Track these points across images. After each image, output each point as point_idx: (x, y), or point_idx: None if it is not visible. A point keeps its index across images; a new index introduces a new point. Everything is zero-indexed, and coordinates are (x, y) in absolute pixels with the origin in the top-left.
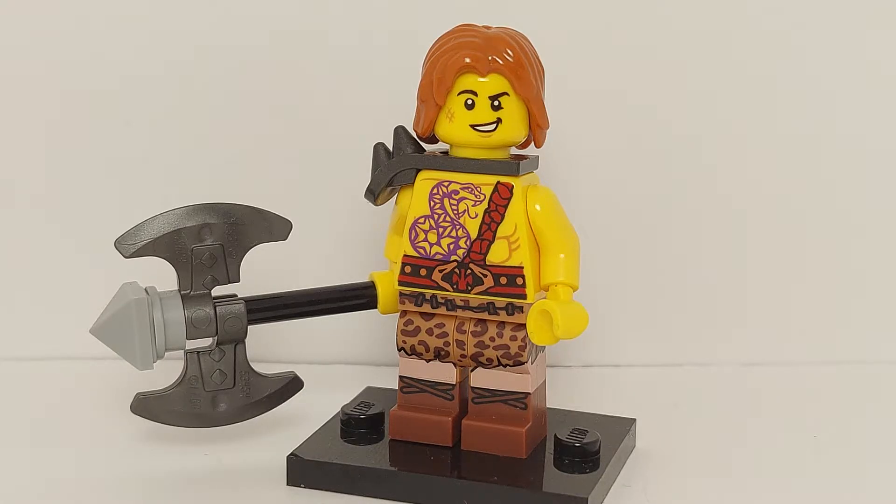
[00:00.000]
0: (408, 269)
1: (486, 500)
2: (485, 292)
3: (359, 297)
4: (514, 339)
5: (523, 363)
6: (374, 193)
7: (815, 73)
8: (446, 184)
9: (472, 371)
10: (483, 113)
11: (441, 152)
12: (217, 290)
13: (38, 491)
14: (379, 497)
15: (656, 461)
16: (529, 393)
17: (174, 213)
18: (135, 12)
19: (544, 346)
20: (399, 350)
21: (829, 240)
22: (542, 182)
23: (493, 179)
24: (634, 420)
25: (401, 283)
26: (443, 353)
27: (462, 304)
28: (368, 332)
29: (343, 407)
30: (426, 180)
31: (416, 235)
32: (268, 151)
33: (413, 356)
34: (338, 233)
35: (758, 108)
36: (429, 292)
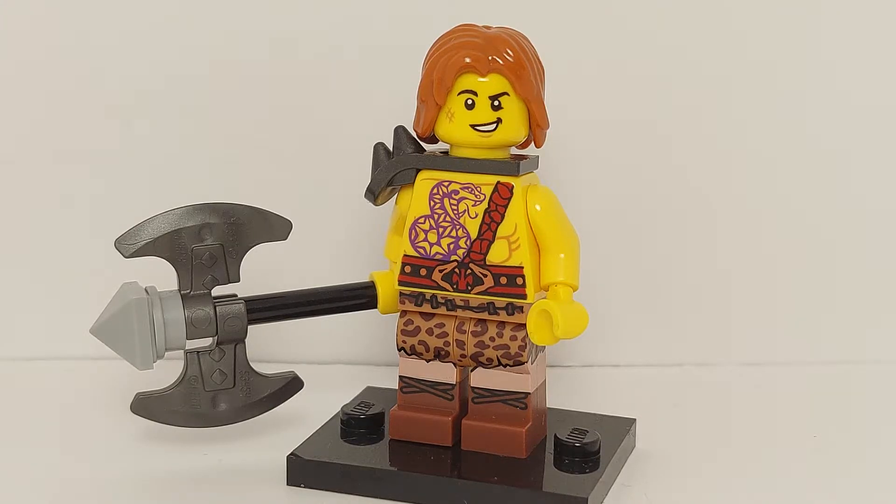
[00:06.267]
0: (408, 268)
1: (486, 500)
2: (485, 292)
3: (359, 297)
4: (514, 338)
5: (523, 363)
6: (374, 193)
7: (815, 77)
8: (446, 184)
9: (472, 371)
10: (483, 113)
11: (441, 152)
12: (217, 290)
13: (38, 491)
14: (379, 497)
15: (656, 461)
16: (529, 393)
17: (174, 213)
18: (136, 14)
19: (544, 346)
20: (399, 350)
21: (829, 240)
22: (542, 182)
23: (493, 179)
24: (634, 420)
25: (401, 282)
26: (443, 353)
27: (462, 303)
28: (368, 332)
29: (343, 407)
30: (426, 180)
31: (416, 235)
32: (268, 151)
33: (413, 356)
34: (338, 233)
35: (758, 108)
36: (429, 292)
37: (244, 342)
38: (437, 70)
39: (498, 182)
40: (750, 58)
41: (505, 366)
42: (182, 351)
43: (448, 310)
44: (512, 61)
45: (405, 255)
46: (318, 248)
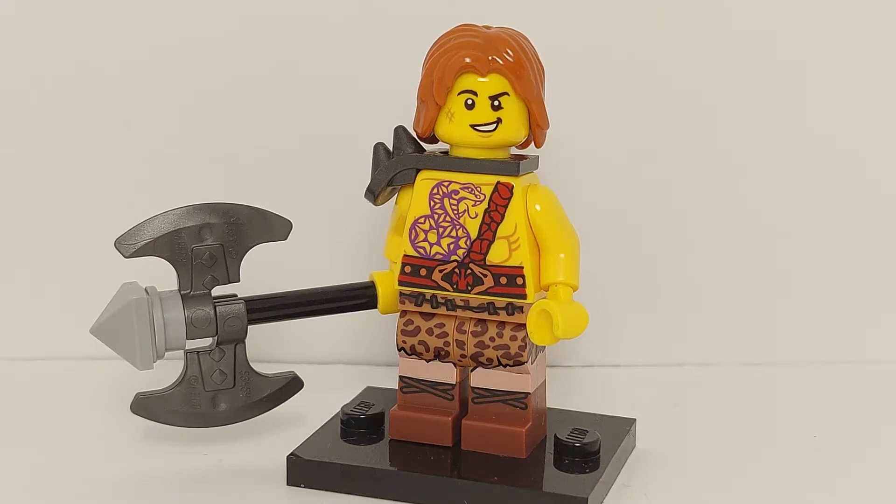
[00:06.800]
0: (408, 268)
1: (486, 500)
2: (485, 292)
3: (359, 297)
4: (514, 339)
5: (523, 363)
6: (374, 193)
7: (813, 80)
8: (446, 184)
9: (472, 371)
10: (483, 113)
11: (441, 152)
12: (217, 290)
13: (38, 491)
14: (379, 497)
15: (656, 461)
16: (529, 393)
17: (174, 213)
18: (137, 14)
19: (544, 346)
20: (399, 350)
21: (829, 240)
22: (542, 182)
23: (493, 179)
24: (634, 420)
25: (401, 283)
26: (443, 353)
27: (462, 304)
28: (368, 332)
29: (343, 407)
30: (426, 180)
31: (416, 235)
32: (268, 151)
33: (413, 356)
34: (338, 233)
35: (758, 109)
36: (429, 292)
37: (244, 342)
38: (437, 70)
39: (498, 182)
40: (751, 59)
41: (505, 366)
42: (182, 351)
43: (448, 310)
44: (512, 61)
45: (405, 255)
46: (318, 248)
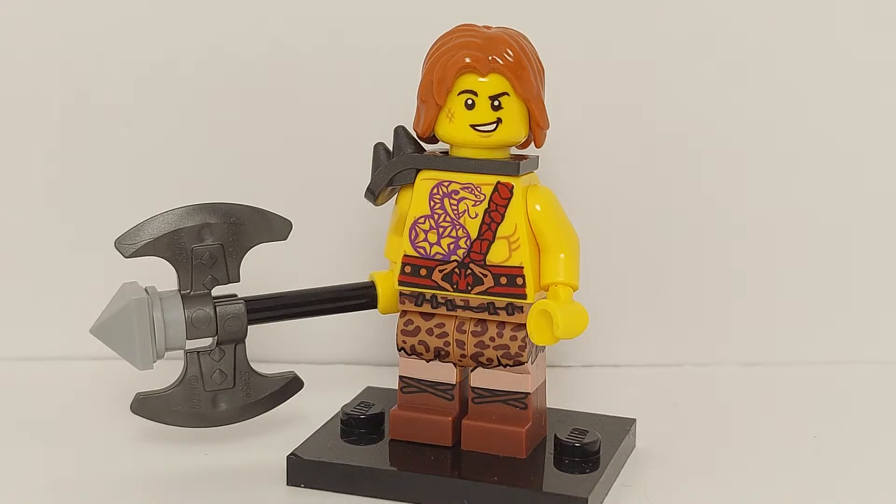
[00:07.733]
0: (408, 269)
1: (486, 500)
2: (485, 292)
3: (359, 297)
4: (514, 339)
5: (523, 363)
6: (374, 193)
7: (813, 80)
8: (446, 184)
9: (472, 371)
10: (483, 113)
11: (441, 152)
12: (217, 290)
13: (38, 491)
14: (379, 497)
15: (656, 461)
16: (529, 393)
17: (174, 213)
18: (136, 14)
19: (544, 346)
20: (399, 350)
21: (829, 240)
22: (542, 182)
23: (494, 179)
24: (634, 420)
25: (401, 283)
26: (443, 353)
27: (462, 304)
28: (368, 332)
29: (343, 407)
30: (426, 180)
31: (416, 235)
32: (268, 151)
33: (413, 356)
34: (338, 233)
35: (758, 108)
36: (429, 292)
37: (244, 342)
38: (437, 70)
39: (498, 182)
40: (751, 60)
41: (505, 366)
42: (182, 351)
43: (448, 310)
44: (512, 61)
45: (405, 255)
46: (318, 248)
